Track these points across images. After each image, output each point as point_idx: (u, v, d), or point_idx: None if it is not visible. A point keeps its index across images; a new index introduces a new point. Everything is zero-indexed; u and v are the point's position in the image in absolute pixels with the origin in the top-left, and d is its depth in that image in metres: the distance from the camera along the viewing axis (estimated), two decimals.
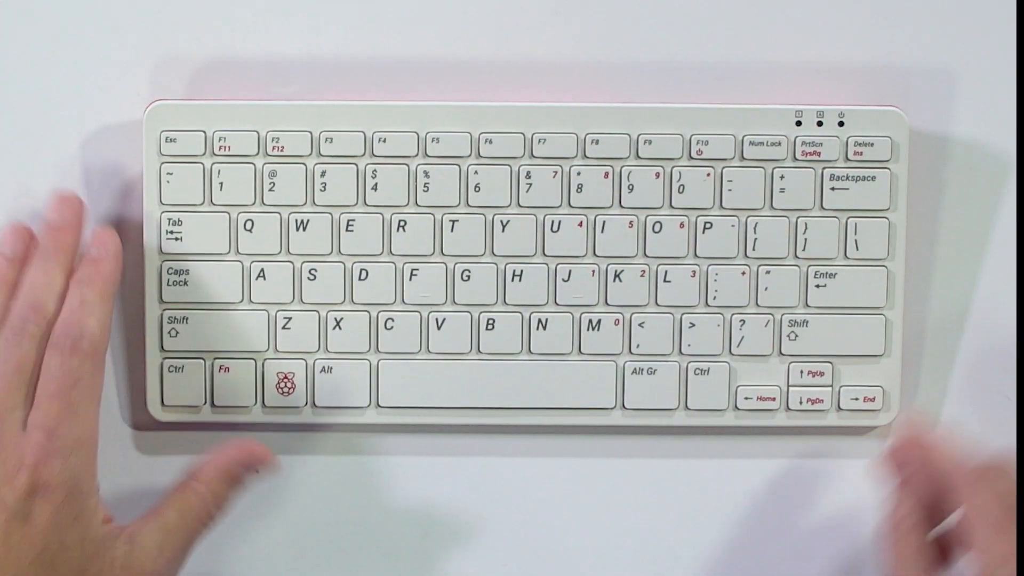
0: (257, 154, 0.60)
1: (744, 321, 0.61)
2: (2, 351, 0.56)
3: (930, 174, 0.62)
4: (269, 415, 0.61)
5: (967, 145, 0.62)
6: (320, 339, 0.61)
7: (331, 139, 0.60)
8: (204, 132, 0.60)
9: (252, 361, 0.61)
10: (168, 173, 0.60)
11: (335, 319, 0.61)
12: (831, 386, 0.62)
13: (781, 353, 0.62)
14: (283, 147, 0.60)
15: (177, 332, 0.61)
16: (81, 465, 0.55)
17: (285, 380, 0.61)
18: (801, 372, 0.62)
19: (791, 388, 0.62)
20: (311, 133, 0.60)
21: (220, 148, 0.60)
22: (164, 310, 0.61)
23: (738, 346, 0.61)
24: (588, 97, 0.61)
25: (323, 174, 0.60)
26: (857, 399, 0.62)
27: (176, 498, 0.58)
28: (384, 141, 0.60)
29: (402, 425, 0.62)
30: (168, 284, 0.61)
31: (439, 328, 0.61)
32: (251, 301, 0.61)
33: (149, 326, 0.61)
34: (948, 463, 0.54)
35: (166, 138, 0.60)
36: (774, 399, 0.62)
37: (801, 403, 0.62)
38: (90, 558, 0.55)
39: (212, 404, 0.61)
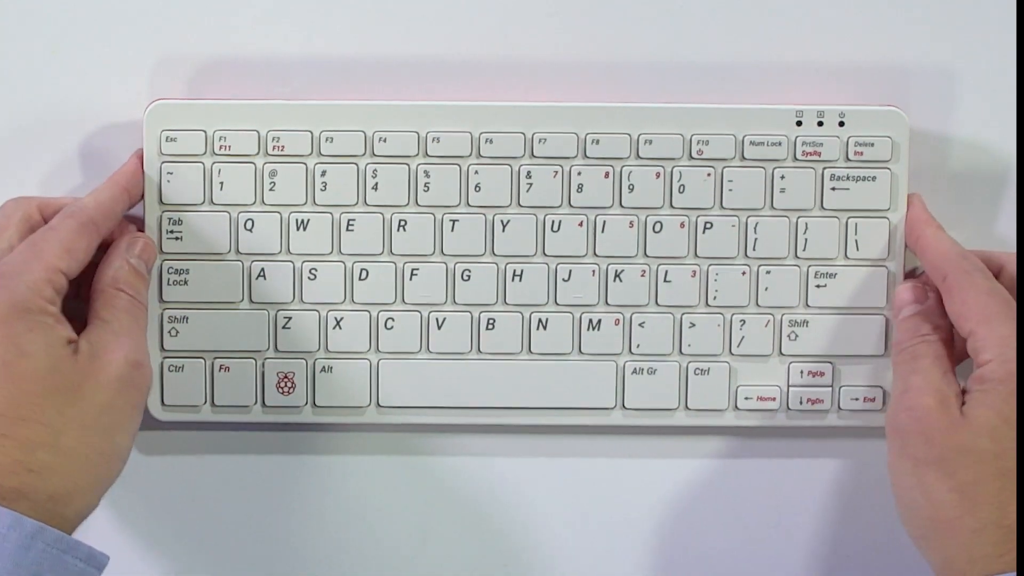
0: (257, 154, 0.60)
1: (744, 321, 0.61)
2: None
3: (930, 174, 0.62)
4: (269, 415, 0.61)
5: (967, 145, 0.62)
6: (320, 339, 0.61)
7: (331, 139, 0.60)
8: (204, 132, 0.60)
9: (252, 361, 0.61)
10: (168, 173, 0.60)
11: (335, 319, 0.61)
12: (831, 386, 0.62)
13: (781, 353, 0.62)
14: (283, 147, 0.60)
15: (177, 332, 0.61)
16: (29, 285, 0.54)
17: (285, 380, 0.61)
18: (801, 372, 0.62)
19: (791, 388, 0.62)
20: (311, 133, 0.60)
21: (220, 148, 0.60)
22: (164, 310, 0.61)
23: (738, 346, 0.61)
24: (588, 97, 0.61)
25: (323, 174, 0.60)
26: (857, 399, 0.62)
27: (102, 306, 0.57)
28: (384, 141, 0.60)
29: (402, 425, 0.62)
30: (168, 284, 0.61)
31: (439, 328, 0.61)
32: (251, 301, 0.61)
33: (149, 325, 0.61)
34: (938, 257, 0.58)
35: (166, 137, 0.60)
36: (774, 399, 0.62)
37: (801, 403, 0.62)
38: (59, 359, 0.54)
39: (212, 404, 0.61)
